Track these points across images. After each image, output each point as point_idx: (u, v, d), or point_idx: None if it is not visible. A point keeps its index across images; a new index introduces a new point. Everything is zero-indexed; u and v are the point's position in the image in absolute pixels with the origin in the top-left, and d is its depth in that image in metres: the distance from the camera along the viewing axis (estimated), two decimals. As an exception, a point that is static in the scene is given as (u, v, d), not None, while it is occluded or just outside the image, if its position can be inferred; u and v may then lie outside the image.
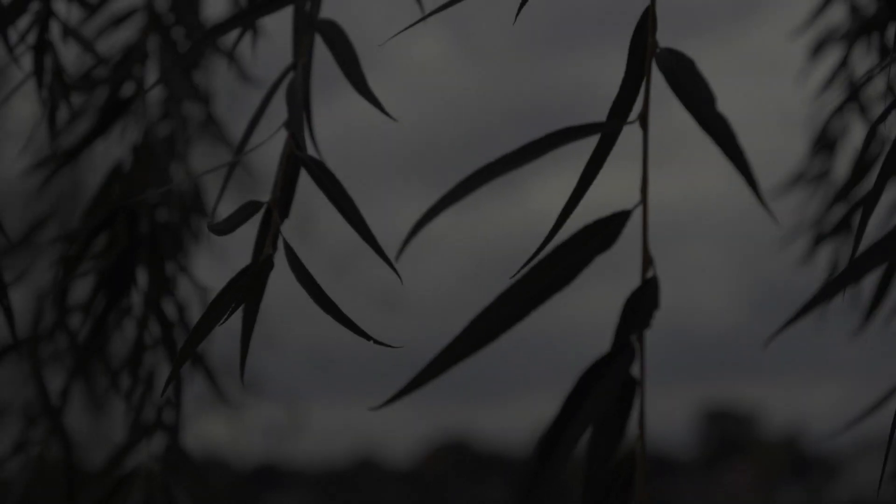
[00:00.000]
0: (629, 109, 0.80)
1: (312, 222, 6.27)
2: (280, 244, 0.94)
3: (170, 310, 1.55)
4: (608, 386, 0.70)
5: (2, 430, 1.63)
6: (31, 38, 1.33)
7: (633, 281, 0.72)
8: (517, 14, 0.84)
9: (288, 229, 1.08)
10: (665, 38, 0.80)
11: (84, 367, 1.52)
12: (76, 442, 1.53)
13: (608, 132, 0.79)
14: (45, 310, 1.56)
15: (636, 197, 0.76)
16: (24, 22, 1.32)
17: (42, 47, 1.33)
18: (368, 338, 0.85)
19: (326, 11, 1.15)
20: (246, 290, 0.91)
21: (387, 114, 1.03)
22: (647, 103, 0.79)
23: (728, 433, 32.22)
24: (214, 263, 1.79)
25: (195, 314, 1.68)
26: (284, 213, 1.00)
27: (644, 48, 0.79)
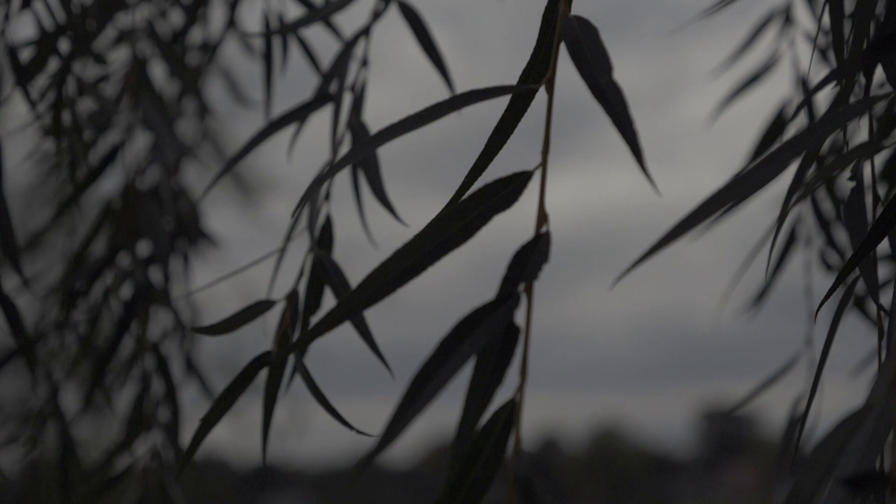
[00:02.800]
0: (542, 75, 0.80)
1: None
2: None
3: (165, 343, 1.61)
4: (488, 330, 0.69)
5: (1, 429, 1.63)
6: (50, 96, 1.38)
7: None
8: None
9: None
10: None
11: (84, 370, 1.54)
12: (75, 440, 1.53)
13: (518, 95, 0.79)
14: (46, 313, 1.58)
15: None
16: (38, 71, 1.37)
17: (60, 104, 1.37)
18: (350, 427, 0.91)
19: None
20: (267, 384, 0.98)
21: (400, 220, 1.10)
22: (555, 69, 0.79)
23: (728, 433, 32.24)
24: (214, 264, 1.80)
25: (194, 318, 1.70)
26: (315, 306, 1.05)
27: (555, 16, 0.80)
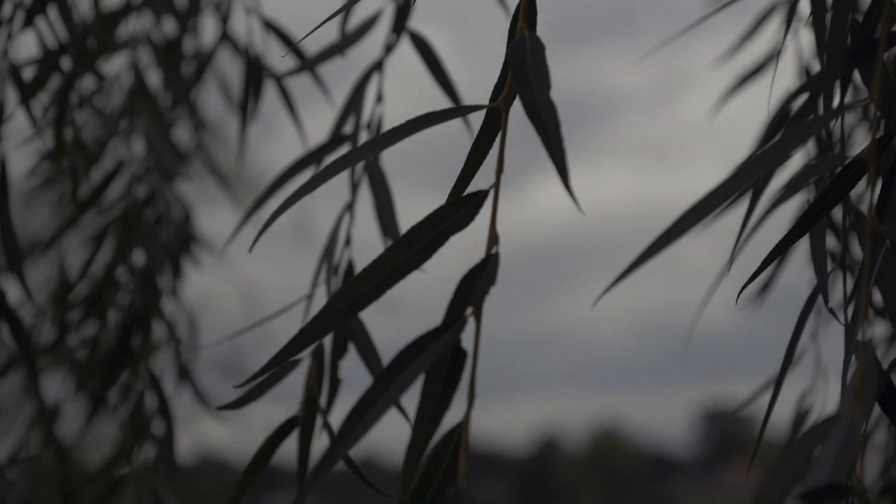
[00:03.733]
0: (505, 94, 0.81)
1: (312, 223, 6.29)
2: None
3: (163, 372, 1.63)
4: (432, 356, 0.70)
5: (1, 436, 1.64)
6: (52, 114, 1.39)
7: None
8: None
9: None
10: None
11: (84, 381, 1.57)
12: (76, 443, 1.55)
13: (489, 114, 0.80)
14: (44, 324, 1.60)
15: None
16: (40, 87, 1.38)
17: (62, 121, 1.38)
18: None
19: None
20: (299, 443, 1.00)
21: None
22: (511, 88, 0.79)
23: (728, 433, 32.24)
24: (215, 265, 1.81)
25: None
26: (340, 355, 1.07)
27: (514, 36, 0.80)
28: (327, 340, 1.07)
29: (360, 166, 1.18)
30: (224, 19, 1.63)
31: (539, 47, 0.77)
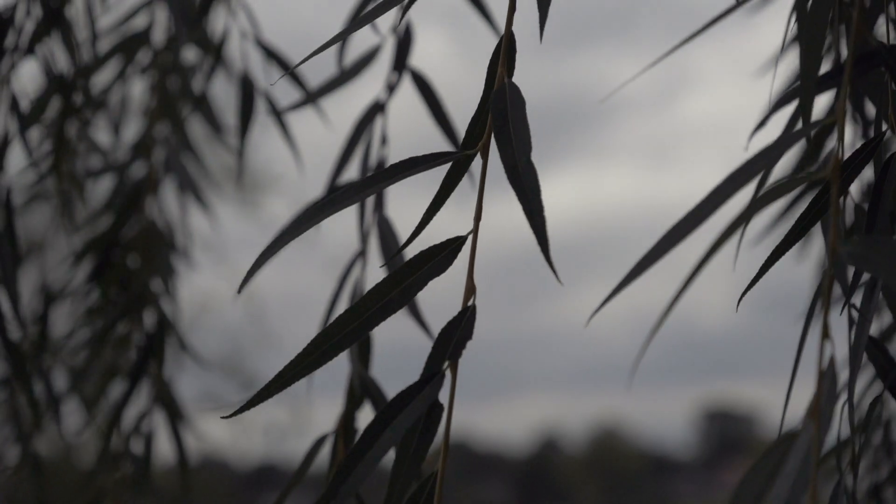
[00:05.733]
0: (479, 138, 0.81)
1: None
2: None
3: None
4: (411, 416, 0.73)
5: None
6: (49, 145, 1.40)
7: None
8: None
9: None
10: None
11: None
12: (44, 462, 1.57)
13: (458, 159, 0.80)
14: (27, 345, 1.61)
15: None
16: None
17: (61, 149, 1.39)
18: None
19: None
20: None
21: (428, 332, 1.13)
22: (490, 135, 0.78)
23: (728, 433, 32.25)
24: (214, 266, 1.81)
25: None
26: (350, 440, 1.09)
27: (493, 84, 0.80)
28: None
29: (368, 216, 1.20)
30: (219, 47, 1.63)
31: (519, 100, 0.77)
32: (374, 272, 1.19)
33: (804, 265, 1.60)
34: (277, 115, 1.54)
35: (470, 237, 0.77)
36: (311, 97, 1.32)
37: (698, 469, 31.63)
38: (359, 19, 0.82)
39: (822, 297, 0.67)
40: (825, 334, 0.65)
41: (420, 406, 0.73)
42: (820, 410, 0.62)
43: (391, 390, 1.04)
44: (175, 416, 1.61)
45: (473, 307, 0.76)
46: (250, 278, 0.77)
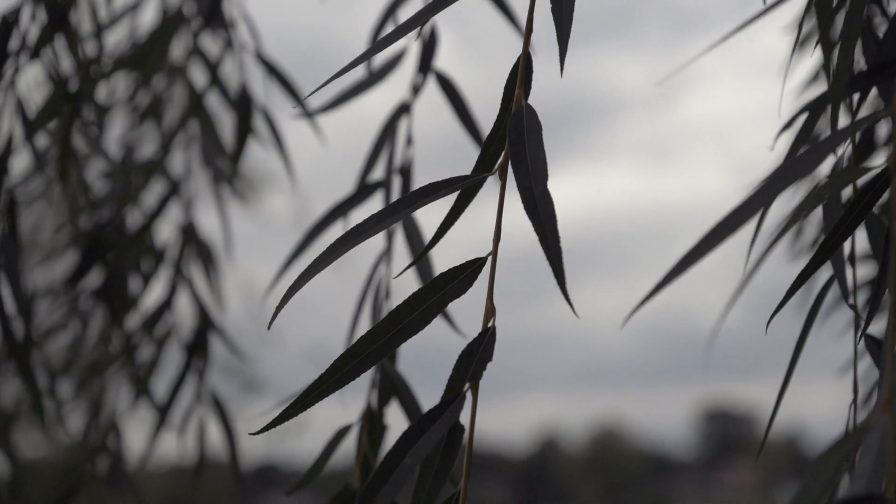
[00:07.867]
0: (495, 161, 0.81)
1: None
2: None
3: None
4: (434, 438, 0.73)
5: None
6: (55, 151, 1.40)
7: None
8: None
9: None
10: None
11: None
12: (25, 465, 1.57)
13: (470, 185, 0.81)
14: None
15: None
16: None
17: (67, 155, 1.39)
18: None
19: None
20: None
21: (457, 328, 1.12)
22: (507, 155, 0.78)
23: (728, 433, 32.23)
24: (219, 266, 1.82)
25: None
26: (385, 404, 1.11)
27: (509, 105, 0.80)
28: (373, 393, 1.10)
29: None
30: (215, 65, 1.62)
31: (536, 125, 0.77)
32: (399, 272, 1.20)
33: (802, 265, 1.60)
34: (272, 127, 1.55)
35: (489, 259, 0.77)
36: (341, 99, 1.33)
37: (698, 469, 31.61)
38: (379, 41, 0.82)
39: (890, 292, 0.65)
40: (893, 328, 0.64)
41: (441, 428, 0.73)
42: (892, 402, 0.61)
43: (413, 381, 1.05)
44: (223, 413, 1.63)
45: (493, 328, 0.77)
46: (279, 312, 0.77)
